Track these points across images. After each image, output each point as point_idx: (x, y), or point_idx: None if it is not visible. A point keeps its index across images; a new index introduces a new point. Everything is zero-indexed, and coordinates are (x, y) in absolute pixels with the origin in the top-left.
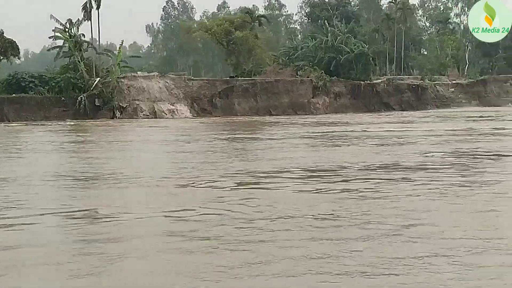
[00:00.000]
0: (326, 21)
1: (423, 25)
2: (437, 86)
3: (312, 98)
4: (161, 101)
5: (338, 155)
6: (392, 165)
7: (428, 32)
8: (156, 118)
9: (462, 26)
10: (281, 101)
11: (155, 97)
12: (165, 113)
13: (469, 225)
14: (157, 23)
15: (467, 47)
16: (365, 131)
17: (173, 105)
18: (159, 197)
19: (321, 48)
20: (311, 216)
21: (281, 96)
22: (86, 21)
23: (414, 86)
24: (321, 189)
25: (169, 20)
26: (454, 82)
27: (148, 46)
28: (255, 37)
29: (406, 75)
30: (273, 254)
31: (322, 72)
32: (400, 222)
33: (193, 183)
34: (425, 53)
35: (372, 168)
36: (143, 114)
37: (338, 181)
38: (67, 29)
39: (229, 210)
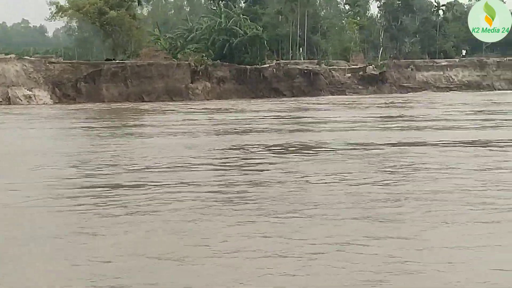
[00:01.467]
0: (220, 1)
1: (342, 9)
2: (332, 72)
3: (191, 83)
4: (17, 86)
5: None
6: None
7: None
8: (10, 104)
9: (377, 10)
10: (154, 87)
11: (11, 81)
12: (20, 99)
13: None
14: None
15: (381, 32)
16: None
17: (30, 91)
18: None
19: (215, 30)
20: None
21: (155, 81)
22: None
23: (306, 72)
24: None
25: None
26: (351, 67)
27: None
28: (133, 17)
29: (316, 59)
30: None
31: (203, 56)
32: None
33: None
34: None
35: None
36: None
37: None
38: None
39: None
